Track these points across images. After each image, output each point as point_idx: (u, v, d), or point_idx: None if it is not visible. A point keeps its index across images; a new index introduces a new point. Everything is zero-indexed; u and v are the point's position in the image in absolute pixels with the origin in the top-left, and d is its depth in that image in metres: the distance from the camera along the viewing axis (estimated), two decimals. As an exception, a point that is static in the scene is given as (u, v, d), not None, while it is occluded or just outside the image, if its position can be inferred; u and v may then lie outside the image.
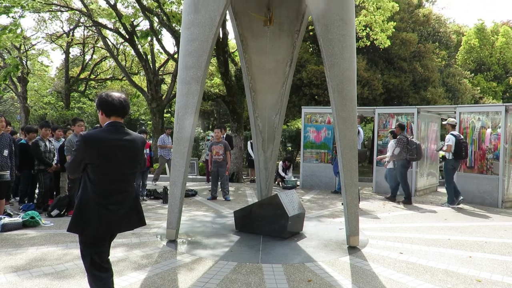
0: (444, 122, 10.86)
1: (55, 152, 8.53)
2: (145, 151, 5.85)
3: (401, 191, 10.58)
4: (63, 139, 9.01)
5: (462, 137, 9.96)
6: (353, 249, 5.75)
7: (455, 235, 6.87)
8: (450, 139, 9.75)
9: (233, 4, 6.95)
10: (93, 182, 3.08)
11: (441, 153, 10.04)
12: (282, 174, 13.40)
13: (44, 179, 8.22)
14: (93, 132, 3.15)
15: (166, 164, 13.22)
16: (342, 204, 8.37)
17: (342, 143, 5.59)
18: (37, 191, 8.80)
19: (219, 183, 10.51)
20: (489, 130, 10.42)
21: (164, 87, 25.39)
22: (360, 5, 14.98)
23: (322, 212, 8.78)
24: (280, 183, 13.22)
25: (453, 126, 10.19)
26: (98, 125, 8.91)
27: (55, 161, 8.44)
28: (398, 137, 10.44)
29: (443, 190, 13.13)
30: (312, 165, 12.88)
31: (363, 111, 13.48)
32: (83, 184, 3.13)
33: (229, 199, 10.17)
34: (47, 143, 8.32)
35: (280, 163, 13.62)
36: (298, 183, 13.11)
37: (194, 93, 5.61)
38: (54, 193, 8.84)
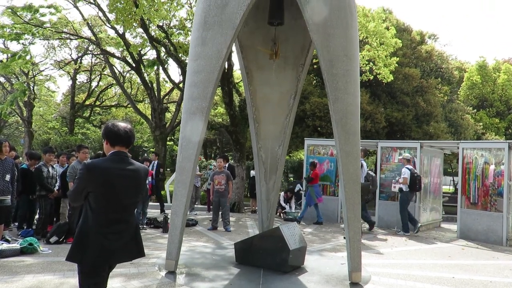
0: (399, 157, 11.54)
1: (57, 178, 8.52)
2: (147, 179, 5.85)
3: (401, 221, 10.81)
4: (67, 165, 9.02)
5: (416, 171, 10.78)
6: (355, 285, 5.63)
7: (460, 273, 6.74)
8: (405, 172, 10.48)
9: (240, 38, 7.10)
10: (94, 211, 3.07)
11: (398, 186, 10.76)
12: (284, 205, 13.31)
13: (44, 205, 8.18)
14: (96, 161, 3.17)
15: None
16: (344, 238, 8.26)
17: (345, 177, 5.57)
18: (36, 216, 8.75)
19: (220, 213, 10.43)
20: (492, 167, 10.38)
21: (168, 115, 25.60)
22: (364, 40, 15.25)
23: (324, 245, 8.65)
24: (281, 214, 13.10)
25: (408, 160, 10.82)
26: (101, 152, 8.94)
27: (56, 187, 8.42)
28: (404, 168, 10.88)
29: (446, 225, 12.97)
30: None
31: (366, 144, 13.50)
32: (84, 213, 3.12)
33: (229, 230, 10.06)
34: (50, 169, 8.33)
35: (282, 193, 13.55)
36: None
37: (199, 123, 5.65)
38: (54, 219, 8.77)
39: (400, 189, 10.67)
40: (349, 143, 5.58)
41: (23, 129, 31.70)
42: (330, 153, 12.85)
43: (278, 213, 12.92)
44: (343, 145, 5.56)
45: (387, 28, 15.84)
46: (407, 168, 10.56)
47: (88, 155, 8.04)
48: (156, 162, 12.62)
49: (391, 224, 11.62)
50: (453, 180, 27.92)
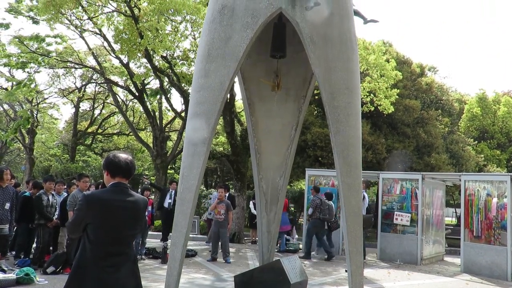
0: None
1: (56, 206, 8.47)
2: (147, 209, 5.80)
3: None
4: (65, 193, 8.97)
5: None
6: (357, 322, 5.48)
7: (464, 310, 6.57)
8: (364, 197, 11.37)
9: (242, 70, 7.19)
10: (92, 242, 3.04)
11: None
12: (285, 236, 13.12)
13: (43, 234, 8.10)
14: (96, 192, 3.21)
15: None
16: (346, 271, 8.12)
17: (347, 210, 5.52)
18: (34, 245, 8.64)
19: (219, 243, 10.30)
20: (495, 199, 10.31)
21: (170, 143, 25.69)
22: (365, 72, 15.46)
23: (325, 279, 8.49)
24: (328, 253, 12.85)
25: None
26: (102, 180, 8.92)
27: (55, 216, 8.35)
28: (312, 198, 11.67)
29: (450, 258, 12.76)
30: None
31: (368, 175, 13.46)
32: (82, 245, 3.09)
33: (229, 261, 9.91)
34: (50, 197, 8.29)
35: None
36: (300, 246, 12.80)
37: (200, 154, 5.64)
38: (52, 248, 8.66)
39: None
40: (351, 176, 5.56)
41: (24, 155, 31.76)
42: (331, 184, 12.80)
43: (278, 244, 12.75)
44: (345, 177, 5.53)
45: (388, 61, 16.09)
46: (363, 191, 11.09)
47: (89, 184, 8.02)
48: (174, 191, 12.52)
49: (393, 257, 11.44)
50: (455, 212, 27.67)
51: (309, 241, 11.46)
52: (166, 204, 12.40)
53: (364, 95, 15.19)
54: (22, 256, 8.50)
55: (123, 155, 3.30)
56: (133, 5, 13.75)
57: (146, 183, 18.42)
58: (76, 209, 3.13)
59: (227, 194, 12.14)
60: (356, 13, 6.13)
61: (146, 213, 9.81)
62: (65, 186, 9.43)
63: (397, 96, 15.90)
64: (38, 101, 27.45)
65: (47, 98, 28.53)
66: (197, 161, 5.70)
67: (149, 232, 11.67)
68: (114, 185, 3.19)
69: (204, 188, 23.21)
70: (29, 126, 25.03)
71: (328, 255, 11.27)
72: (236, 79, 7.77)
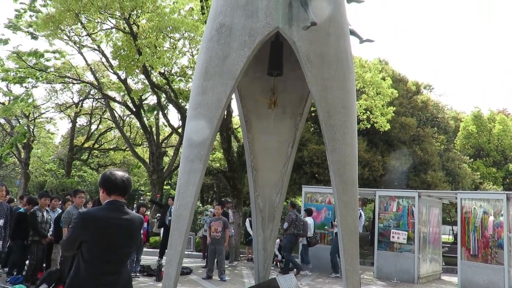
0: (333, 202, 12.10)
1: (51, 223, 8.39)
2: (142, 226, 5.76)
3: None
4: (59, 210, 8.90)
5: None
6: None
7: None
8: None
9: (239, 87, 7.24)
10: (87, 261, 3.01)
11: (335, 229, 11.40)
12: (279, 253, 13.01)
13: (36, 251, 8.01)
14: (91, 210, 3.18)
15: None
16: (343, 290, 8.05)
17: (343, 228, 5.51)
18: (27, 262, 8.53)
19: (215, 261, 10.20)
20: (491, 218, 10.30)
21: (166, 159, 25.65)
22: (361, 89, 15.59)
23: (321, 298, 8.40)
24: (278, 263, 12.80)
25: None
26: (98, 197, 8.88)
27: (50, 232, 8.27)
28: (288, 213, 11.79)
29: (447, 277, 12.67)
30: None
31: (364, 192, 13.44)
32: (76, 264, 3.06)
33: (225, 279, 9.81)
34: (45, 213, 8.22)
35: (278, 241, 13.29)
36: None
37: (197, 171, 5.64)
38: (45, 265, 8.55)
39: (336, 233, 11.16)
40: (347, 194, 5.56)
41: (19, 170, 31.57)
42: (328, 201, 12.76)
43: (274, 262, 12.63)
44: (341, 195, 5.53)
45: (383, 79, 16.25)
46: (360, 209, 11.25)
47: (84, 200, 7.97)
48: (172, 207, 12.42)
49: (390, 275, 11.35)
50: (452, 230, 27.59)
51: (290, 256, 11.62)
52: (167, 221, 12.28)
53: (360, 113, 15.28)
54: (15, 273, 8.39)
55: (119, 173, 3.27)
56: (132, 22, 13.89)
57: (154, 199, 18.07)
58: (71, 227, 3.10)
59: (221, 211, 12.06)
60: (352, 32, 6.20)
61: (142, 230, 9.74)
62: (60, 202, 9.36)
63: (393, 114, 16.02)
64: (35, 116, 27.43)
65: (44, 113, 28.55)
66: (193, 178, 5.69)
67: (144, 249, 11.56)
68: (110, 203, 3.17)
69: (200, 204, 23.08)
70: (25, 141, 24.98)
71: (296, 269, 11.36)
72: (233, 96, 7.82)
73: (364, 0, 5.43)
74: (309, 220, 11.98)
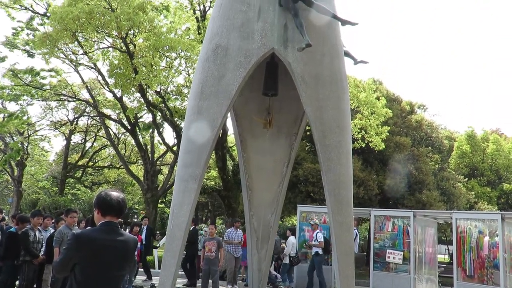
0: (311, 222, 12.17)
1: (43, 242, 8.26)
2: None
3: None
4: (51, 229, 8.77)
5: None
6: None
7: None
8: (320, 237, 11.20)
9: (235, 107, 7.28)
10: (80, 283, 2.97)
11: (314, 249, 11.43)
12: (274, 273, 12.85)
13: (27, 271, 7.85)
14: (86, 232, 3.13)
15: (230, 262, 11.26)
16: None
17: (338, 249, 5.48)
18: (17, 283, 8.36)
19: (210, 281, 10.04)
20: (486, 238, 10.27)
21: (161, 177, 25.53)
22: (356, 109, 15.71)
23: (316, 320, 8.28)
24: (273, 284, 12.62)
25: (317, 225, 11.61)
26: (91, 216, 8.77)
27: (42, 252, 8.13)
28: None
29: (443, 299, 12.56)
30: (306, 266, 12.40)
31: (359, 212, 13.40)
32: (69, 285, 3.01)
33: (219, 300, 9.65)
34: (37, 232, 8.10)
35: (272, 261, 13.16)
36: (292, 286, 12.54)
37: (191, 191, 5.62)
38: (35, 286, 8.38)
39: (316, 253, 11.24)
40: (342, 214, 5.55)
41: (12, 188, 31.26)
42: (323, 220, 12.69)
43: (269, 283, 12.47)
44: (336, 215, 5.52)
45: (378, 98, 16.40)
46: (320, 232, 11.31)
47: (77, 219, 7.87)
48: (146, 226, 12.31)
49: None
50: (448, 249, 27.48)
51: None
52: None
53: (355, 132, 15.37)
54: (4, 294, 8.21)
55: (114, 193, 3.24)
56: (128, 41, 14.00)
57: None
58: (65, 248, 3.05)
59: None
60: (347, 54, 6.29)
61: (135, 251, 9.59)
62: (53, 221, 9.24)
63: (387, 133, 16.11)
64: (29, 133, 27.31)
65: (38, 130, 28.43)
66: (188, 198, 5.67)
67: (140, 269, 11.38)
68: (105, 224, 3.14)
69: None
70: (19, 158, 24.82)
71: (272, 285, 11.31)
72: (228, 115, 7.85)
73: (358, 22, 5.52)
74: (293, 239, 11.93)
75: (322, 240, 11.18)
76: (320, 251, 11.20)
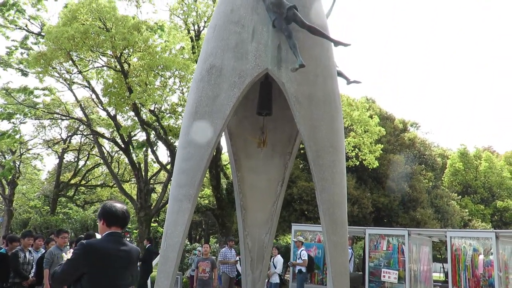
0: (294, 239, 12.23)
1: (33, 263, 8.11)
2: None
3: None
4: (42, 250, 8.63)
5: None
6: None
7: None
8: (304, 255, 11.21)
9: (229, 126, 7.29)
10: None
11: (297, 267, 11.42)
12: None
13: (17, 294, 7.69)
14: (93, 242, 3.21)
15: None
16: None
17: (333, 269, 5.43)
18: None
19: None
20: (481, 256, 10.25)
21: (154, 196, 25.32)
22: (349, 127, 15.80)
23: None
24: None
25: (301, 243, 11.58)
26: (82, 236, 8.63)
27: (32, 274, 7.98)
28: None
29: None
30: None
31: (354, 230, 13.35)
32: None
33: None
34: (27, 254, 7.96)
35: (266, 281, 12.99)
36: None
37: (185, 211, 5.58)
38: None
39: (300, 270, 11.30)
40: (337, 234, 5.52)
41: (3, 207, 30.81)
42: (318, 239, 12.63)
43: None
44: (331, 235, 5.49)
45: (371, 117, 16.52)
46: (303, 250, 11.33)
47: (68, 240, 7.76)
48: (148, 245, 12.17)
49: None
50: (443, 267, 27.33)
51: None
52: None
53: (349, 150, 15.42)
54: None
55: (119, 205, 3.34)
56: (123, 61, 14.06)
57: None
58: (70, 258, 3.10)
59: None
60: (340, 74, 6.36)
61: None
62: (44, 242, 9.09)
63: (381, 151, 16.18)
64: (21, 152, 27.08)
65: (31, 149, 28.21)
66: (181, 218, 5.62)
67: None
68: (110, 235, 3.22)
69: (188, 243, 22.64)
70: (10, 177, 24.56)
71: None
72: (222, 134, 7.85)
73: (350, 43, 5.59)
74: (279, 258, 11.88)
75: (306, 258, 11.21)
76: (304, 269, 11.23)
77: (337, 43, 5.66)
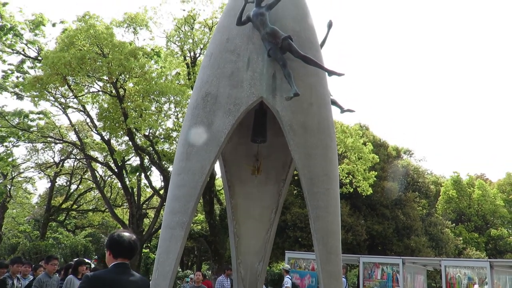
0: (282, 267, 12.16)
1: (21, 291, 7.91)
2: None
3: None
4: (30, 277, 8.43)
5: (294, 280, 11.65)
6: None
7: None
8: (288, 282, 11.09)
9: (223, 153, 7.29)
10: None
11: None
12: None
13: (3, 322, 7.47)
14: (98, 273, 3.19)
15: None
16: None
17: (327, 300, 5.35)
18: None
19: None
20: (476, 286, 10.16)
21: (146, 221, 25.00)
22: (343, 154, 15.86)
23: None
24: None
25: (286, 271, 11.51)
26: (71, 263, 8.43)
27: (19, 302, 7.77)
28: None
29: None
30: None
31: (348, 258, 13.22)
32: None
33: None
34: (15, 281, 7.78)
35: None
36: None
37: (178, 238, 5.52)
38: None
39: None
40: (331, 263, 5.47)
41: (-9, 231, 30.23)
42: (312, 267, 12.48)
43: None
44: (325, 264, 5.44)
45: (365, 144, 16.62)
46: (288, 277, 11.21)
47: (57, 267, 7.60)
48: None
49: None
50: (438, 297, 26.99)
51: None
52: None
53: (343, 177, 15.43)
54: None
55: (127, 235, 3.28)
56: (119, 86, 14.15)
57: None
58: None
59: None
60: (334, 102, 6.44)
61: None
62: (31, 269, 8.88)
63: (375, 178, 16.20)
64: (13, 175, 26.79)
65: (23, 172, 27.92)
66: (174, 246, 5.55)
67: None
68: (117, 266, 3.18)
69: (180, 269, 22.25)
70: (1, 201, 24.22)
71: None
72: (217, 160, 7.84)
73: (344, 73, 5.69)
74: (289, 280, 11.73)
75: (290, 286, 11.15)
76: None
77: (331, 73, 5.75)
